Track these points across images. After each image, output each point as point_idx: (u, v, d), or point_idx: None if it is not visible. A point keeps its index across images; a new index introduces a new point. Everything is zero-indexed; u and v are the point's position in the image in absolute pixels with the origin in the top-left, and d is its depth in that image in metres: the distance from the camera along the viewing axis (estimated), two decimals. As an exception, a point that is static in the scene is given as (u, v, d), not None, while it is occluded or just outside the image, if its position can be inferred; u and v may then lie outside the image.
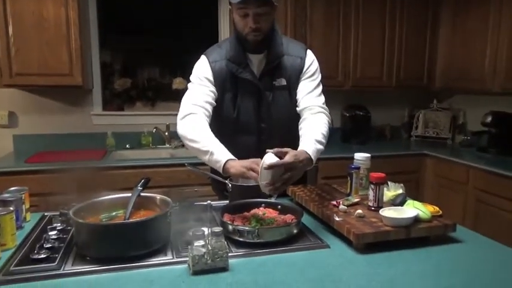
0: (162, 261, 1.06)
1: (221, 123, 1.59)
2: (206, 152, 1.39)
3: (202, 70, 1.60)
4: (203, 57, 1.63)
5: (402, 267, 1.06)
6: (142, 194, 1.26)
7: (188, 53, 3.44)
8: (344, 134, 3.49)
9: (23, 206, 1.32)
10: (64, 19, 2.55)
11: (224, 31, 3.28)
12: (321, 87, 1.65)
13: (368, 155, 1.54)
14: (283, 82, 1.60)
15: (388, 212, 1.22)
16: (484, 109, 3.04)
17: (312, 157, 1.35)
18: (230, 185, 1.49)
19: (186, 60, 3.46)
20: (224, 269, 1.01)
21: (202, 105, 1.52)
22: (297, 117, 1.61)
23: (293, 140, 1.47)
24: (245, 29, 1.49)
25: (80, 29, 2.59)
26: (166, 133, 3.11)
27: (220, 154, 1.37)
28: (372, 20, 3.25)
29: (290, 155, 1.27)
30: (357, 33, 3.22)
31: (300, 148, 1.37)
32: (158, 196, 1.28)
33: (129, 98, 3.27)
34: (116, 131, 3.06)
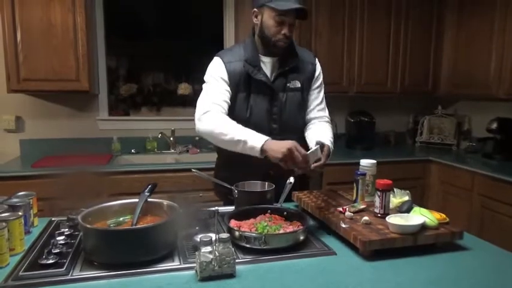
0: (169, 267, 1.06)
1: None
2: (239, 142, 1.43)
3: (217, 70, 1.63)
4: (217, 59, 1.66)
5: (409, 274, 1.06)
6: (149, 199, 1.27)
7: (193, 58, 3.47)
8: (349, 139, 3.48)
9: (31, 211, 1.33)
10: (71, 25, 2.57)
11: (229, 37, 3.30)
12: (324, 98, 1.79)
13: (374, 161, 1.54)
14: (298, 84, 1.68)
15: (394, 219, 1.22)
16: (489, 115, 3.04)
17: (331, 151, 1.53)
18: (236, 191, 1.49)
19: (191, 66, 3.50)
20: (231, 275, 1.02)
21: (219, 103, 1.56)
22: (304, 119, 1.74)
23: (300, 141, 1.54)
24: (277, 35, 1.55)
25: (87, 35, 2.62)
26: (172, 138, 3.12)
27: (254, 140, 1.41)
28: (376, 26, 3.26)
29: (325, 154, 1.44)
30: (361, 39, 3.23)
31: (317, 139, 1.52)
32: (165, 202, 1.28)
33: (134, 103, 3.29)
34: (122, 136, 3.08)
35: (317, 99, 1.75)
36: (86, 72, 2.63)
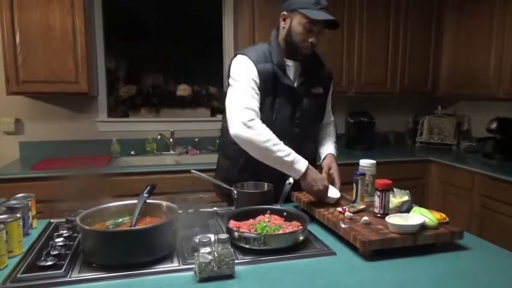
0: (168, 269, 1.06)
1: None
2: (286, 162, 1.47)
3: (249, 70, 1.56)
4: (245, 58, 1.58)
5: (409, 274, 1.05)
6: (148, 200, 1.26)
7: (192, 59, 3.47)
8: (348, 140, 3.48)
9: (30, 212, 1.33)
10: (70, 27, 2.57)
11: (228, 38, 3.30)
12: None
13: (373, 161, 1.54)
14: (321, 90, 1.69)
15: (394, 219, 1.22)
16: (489, 115, 3.03)
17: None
18: (236, 192, 1.49)
19: (190, 67, 3.50)
20: (231, 276, 1.01)
21: (257, 111, 1.53)
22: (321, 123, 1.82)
23: (316, 145, 1.79)
24: (304, 42, 1.55)
25: (86, 37, 2.62)
26: (171, 140, 3.12)
27: (299, 164, 1.48)
28: (375, 26, 3.26)
29: (335, 169, 1.66)
30: (360, 39, 3.23)
31: (328, 152, 1.75)
32: (164, 203, 1.28)
33: (133, 105, 3.28)
34: (121, 137, 3.08)
35: (330, 103, 1.82)
36: (85, 74, 2.63)
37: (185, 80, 3.35)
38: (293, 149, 1.52)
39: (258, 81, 1.56)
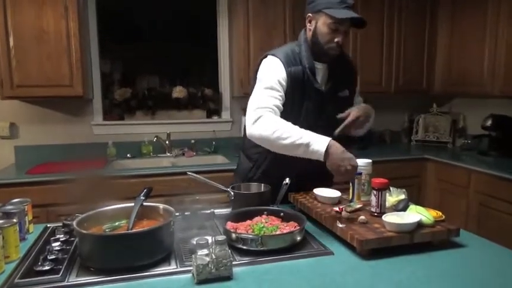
0: (166, 271, 1.05)
1: None
2: (300, 145, 1.37)
3: (277, 72, 1.54)
4: (276, 60, 1.56)
5: (406, 272, 1.06)
6: (145, 203, 1.26)
7: (187, 61, 3.47)
8: (345, 139, 3.48)
9: (26, 217, 1.32)
10: (64, 31, 2.56)
11: (223, 39, 3.30)
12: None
13: (369, 160, 1.55)
14: (347, 93, 1.66)
15: (390, 218, 1.22)
16: (484, 112, 3.05)
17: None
18: (232, 193, 1.49)
19: (185, 69, 3.50)
20: (228, 277, 1.01)
21: (273, 108, 1.49)
22: None
23: None
24: (330, 43, 1.52)
25: (80, 40, 2.61)
26: (167, 142, 3.11)
27: (317, 143, 1.35)
28: (369, 26, 3.23)
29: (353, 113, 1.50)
30: (355, 39, 3.24)
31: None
32: (161, 205, 1.28)
33: (129, 108, 3.27)
34: (117, 140, 3.07)
35: (358, 97, 1.79)
36: (80, 77, 2.62)
37: (180, 82, 3.35)
38: None
39: (284, 84, 1.53)
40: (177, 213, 1.28)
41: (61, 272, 1.03)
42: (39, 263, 1.07)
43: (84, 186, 2.37)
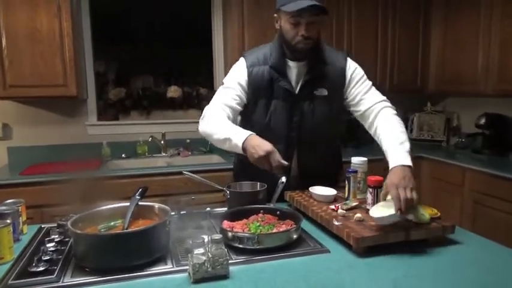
0: (162, 271, 1.05)
1: (251, 129, 1.56)
2: (225, 140, 1.44)
3: (237, 74, 1.61)
4: (242, 60, 1.63)
5: (402, 269, 1.06)
6: (140, 203, 1.25)
7: (182, 61, 3.46)
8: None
9: (20, 218, 1.31)
10: (57, 30, 2.54)
11: (218, 39, 3.29)
12: (374, 88, 1.67)
13: (365, 158, 1.55)
14: (325, 92, 1.60)
15: (377, 210, 1.21)
16: (478, 111, 3.07)
17: (407, 163, 1.30)
18: (228, 192, 1.49)
19: (180, 69, 3.49)
20: (225, 276, 1.01)
21: (222, 107, 1.56)
22: (334, 128, 1.71)
23: (324, 150, 1.60)
24: (296, 38, 1.50)
25: (73, 40, 2.59)
26: (162, 142, 3.10)
27: (237, 137, 1.39)
28: (364, 26, 3.28)
29: (393, 190, 1.20)
30: (349, 38, 3.25)
31: (390, 164, 1.33)
32: (156, 205, 1.27)
33: (123, 108, 3.26)
34: (111, 140, 3.05)
35: (361, 89, 1.62)
36: (74, 77, 2.60)
37: (175, 81, 3.34)
38: (291, 154, 1.53)
39: (244, 84, 1.59)
40: (173, 213, 1.28)
41: (56, 273, 1.02)
42: (34, 264, 1.05)
43: (79, 187, 2.35)
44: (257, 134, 1.45)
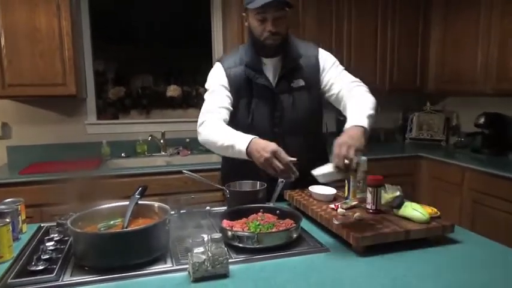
0: (162, 270, 1.05)
1: (236, 129, 1.59)
2: (228, 147, 1.42)
3: (217, 77, 1.63)
4: (218, 65, 1.66)
5: (402, 268, 1.06)
6: (140, 202, 1.25)
7: (182, 60, 3.46)
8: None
9: (19, 217, 1.31)
10: (57, 29, 2.54)
11: (217, 39, 3.29)
12: (346, 71, 1.67)
13: (365, 158, 1.55)
14: (301, 83, 1.63)
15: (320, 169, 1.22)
16: (477, 110, 3.07)
17: (360, 124, 1.31)
18: (228, 191, 1.49)
19: (180, 68, 3.49)
20: (225, 275, 1.01)
21: (216, 111, 1.56)
22: (317, 116, 1.70)
23: (309, 141, 1.58)
24: (263, 34, 1.52)
25: (73, 39, 2.59)
26: (162, 141, 3.10)
27: (240, 143, 1.38)
28: (364, 25, 3.28)
29: (336, 148, 1.20)
30: (349, 38, 3.25)
31: (346, 126, 1.33)
32: (156, 204, 1.27)
33: (123, 107, 3.26)
34: (111, 139, 3.05)
35: (333, 74, 1.63)
36: (73, 76, 2.60)
37: (175, 80, 3.34)
38: None
39: (227, 85, 1.60)
40: (173, 212, 1.28)
41: (55, 272, 1.02)
42: (33, 263, 1.05)
43: (78, 186, 2.34)
44: (242, 132, 1.47)
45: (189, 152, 3.11)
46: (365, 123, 1.32)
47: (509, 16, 2.71)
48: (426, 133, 3.65)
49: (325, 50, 3.23)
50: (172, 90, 3.22)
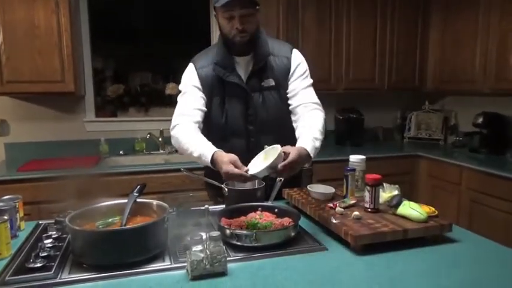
0: (160, 267, 1.05)
1: (211, 128, 1.60)
2: (198, 157, 1.43)
3: (189, 78, 1.62)
4: (190, 65, 1.66)
5: (400, 268, 1.06)
6: (138, 200, 1.25)
7: (180, 57, 3.45)
8: (338, 136, 3.50)
9: (17, 214, 1.31)
10: (55, 26, 2.53)
11: (216, 35, 3.27)
12: (312, 88, 1.65)
13: (363, 156, 1.55)
14: (272, 82, 1.62)
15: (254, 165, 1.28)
16: (475, 110, 3.08)
17: (311, 154, 1.37)
18: (226, 190, 1.49)
19: (179, 65, 3.48)
20: (223, 273, 1.01)
21: (189, 113, 1.55)
22: (287, 116, 1.64)
23: (283, 139, 1.47)
24: (231, 32, 1.51)
25: (71, 36, 2.58)
26: (160, 139, 3.10)
27: (206, 154, 1.39)
28: (363, 24, 3.28)
29: (294, 154, 1.28)
30: (348, 37, 3.25)
31: (298, 145, 1.39)
32: (155, 202, 1.27)
33: (122, 104, 3.25)
34: (109, 137, 3.05)
35: (299, 85, 1.61)
36: (71, 73, 2.59)
37: (174, 78, 3.33)
38: (250, 147, 1.54)
39: (199, 86, 1.60)
40: (171, 210, 1.28)
41: (53, 269, 1.02)
42: (31, 260, 1.05)
43: (76, 184, 2.34)
44: (216, 132, 1.48)
45: (188, 150, 3.10)
46: (312, 152, 1.39)
47: (508, 16, 2.72)
48: (425, 132, 3.66)
49: (325, 50, 3.22)
50: (171, 88, 3.21)
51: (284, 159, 1.27)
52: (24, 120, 2.90)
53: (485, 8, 2.89)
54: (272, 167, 1.24)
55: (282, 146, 1.29)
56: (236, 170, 1.28)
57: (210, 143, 1.44)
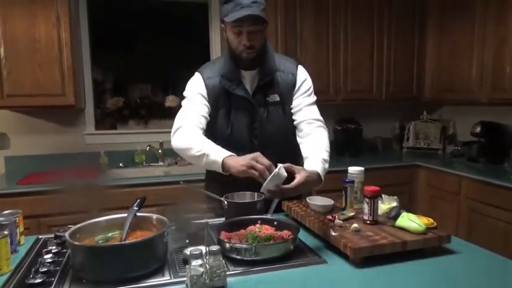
0: (160, 282, 1.05)
1: (214, 140, 1.60)
2: (202, 156, 1.42)
3: (196, 86, 1.62)
4: (197, 75, 1.66)
5: (399, 280, 1.06)
6: (138, 214, 1.26)
7: (180, 70, 3.48)
8: (337, 147, 3.50)
9: (17, 229, 1.31)
10: (56, 40, 2.56)
11: (215, 48, 3.31)
12: (316, 106, 1.68)
13: (361, 168, 1.56)
14: (277, 98, 1.63)
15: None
16: (473, 119, 3.10)
17: (322, 177, 1.41)
18: (226, 203, 1.49)
19: (178, 78, 3.50)
20: (222, 288, 1.01)
21: (193, 118, 1.55)
22: (291, 131, 1.66)
23: (286, 155, 1.46)
24: (239, 47, 1.52)
25: (72, 49, 2.61)
26: (160, 151, 3.11)
27: (215, 154, 1.39)
28: (360, 35, 3.31)
29: (302, 176, 1.29)
30: (346, 48, 3.28)
31: (309, 167, 1.41)
32: (154, 216, 1.27)
33: (121, 117, 3.27)
34: (109, 149, 3.06)
35: (303, 101, 1.64)
36: (72, 86, 2.61)
37: (173, 90, 3.35)
38: None
39: (205, 95, 1.60)
40: (171, 224, 1.28)
41: (53, 285, 1.02)
42: (31, 276, 1.05)
43: (76, 196, 2.34)
44: (221, 143, 1.48)
45: (187, 162, 3.10)
46: (323, 175, 1.42)
47: (503, 25, 2.75)
48: (423, 142, 3.67)
49: (323, 61, 3.24)
50: (171, 101, 3.23)
51: (291, 180, 1.27)
52: (24, 134, 2.91)
53: (481, 19, 2.93)
54: (267, 189, 1.25)
55: (289, 163, 1.30)
56: (266, 160, 1.29)
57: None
